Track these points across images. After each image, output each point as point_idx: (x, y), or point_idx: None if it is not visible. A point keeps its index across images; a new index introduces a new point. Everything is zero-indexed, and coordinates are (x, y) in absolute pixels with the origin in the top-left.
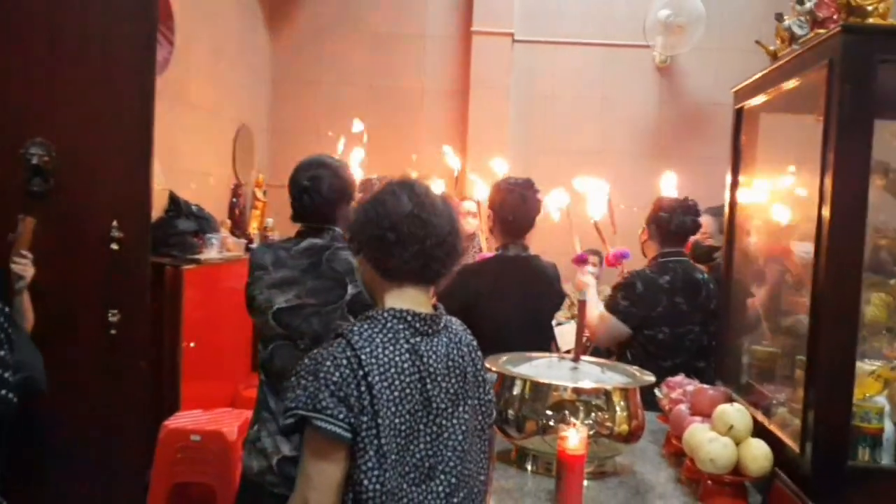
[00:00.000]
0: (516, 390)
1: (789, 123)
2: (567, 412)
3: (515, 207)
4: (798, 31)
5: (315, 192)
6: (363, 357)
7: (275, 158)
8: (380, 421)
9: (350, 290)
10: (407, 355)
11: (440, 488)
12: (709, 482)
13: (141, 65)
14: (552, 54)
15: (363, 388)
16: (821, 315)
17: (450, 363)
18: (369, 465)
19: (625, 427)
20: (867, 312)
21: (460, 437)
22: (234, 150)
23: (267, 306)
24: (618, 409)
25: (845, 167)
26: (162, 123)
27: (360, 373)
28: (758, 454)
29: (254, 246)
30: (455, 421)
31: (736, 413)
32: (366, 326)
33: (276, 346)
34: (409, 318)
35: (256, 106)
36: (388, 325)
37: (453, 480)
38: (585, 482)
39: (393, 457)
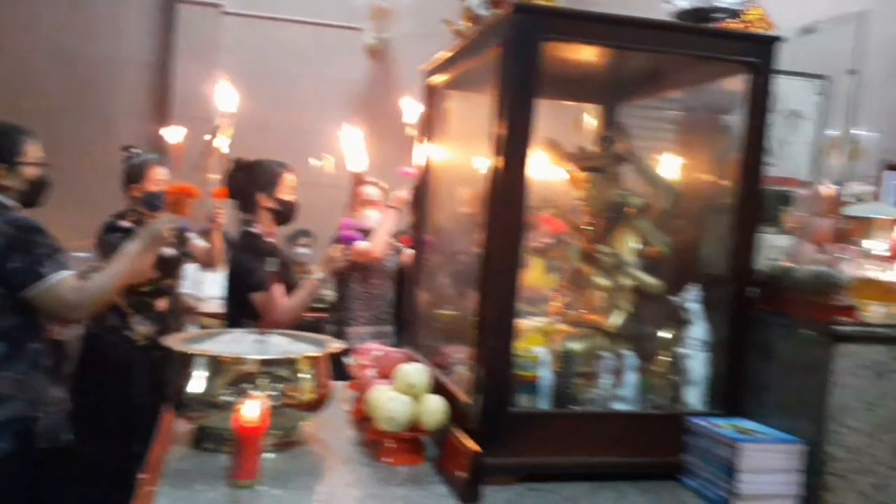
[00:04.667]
0: (197, 368)
1: (472, 101)
2: (250, 385)
3: None
4: (480, 12)
5: None
6: None
7: None
8: None
9: None
10: None
11: None
12: (389, 440)
13: None
14: (265, 30)
15: None
16: (487, 276)
17: None
18: None
19: (311, 396)
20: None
21: None
22: None
23: None
24: (304, 378)
25: (511, 142)
26: None
27: None
28: (434, 409)
29: None
30: None
31: (414, 371)
32: None
33: None
34: None
35: None
36: None
37: None
38: (270, 454)
39: None
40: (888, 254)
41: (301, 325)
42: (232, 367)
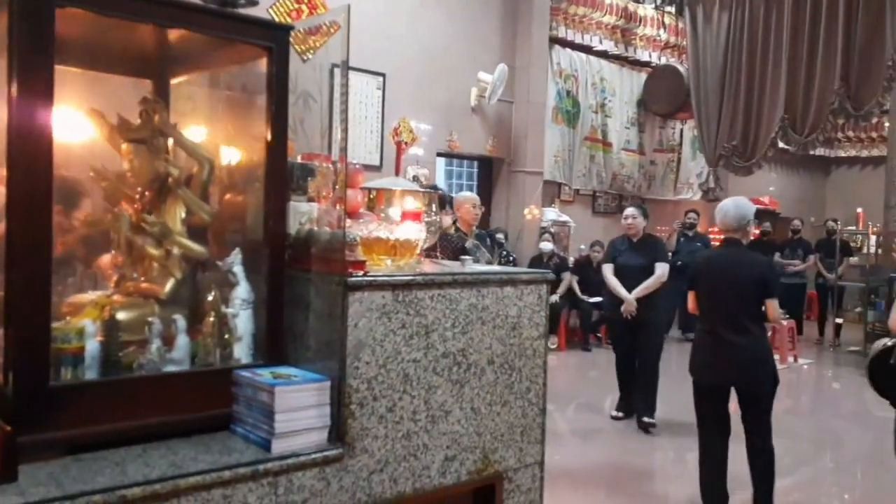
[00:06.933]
0: None
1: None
2: None
3: None
4: None
5: None
6: None
7: None
8: None
9: None
10: None
11: None
12: None
13: None
14: None
15: None
16: (15, 250)
17: None
18: None
19: None
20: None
21: None
22: None
23: None
24: None
25: (28, 109)
26: None
27: None
28: None
29: None
30: None
31: None
32: None
33: None
34: None
35: None
36: None
37: None
38: None
39: None
40: (398, 218)
41: None
42: None
